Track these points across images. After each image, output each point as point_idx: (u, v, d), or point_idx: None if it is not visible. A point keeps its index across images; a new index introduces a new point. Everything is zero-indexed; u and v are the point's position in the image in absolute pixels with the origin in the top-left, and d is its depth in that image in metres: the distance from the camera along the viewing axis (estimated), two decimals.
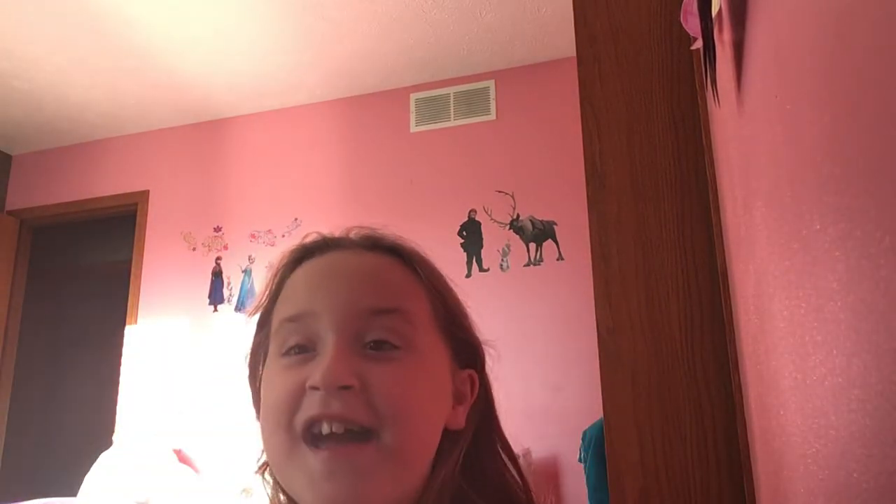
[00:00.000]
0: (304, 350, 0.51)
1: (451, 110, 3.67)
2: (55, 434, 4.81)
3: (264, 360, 0.56)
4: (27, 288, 4.36)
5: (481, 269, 3.41)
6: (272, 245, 3.80)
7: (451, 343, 0.56)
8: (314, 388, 0.48)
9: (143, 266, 4.01)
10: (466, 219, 3.50)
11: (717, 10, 0.85)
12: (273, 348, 0.53)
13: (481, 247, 3.45)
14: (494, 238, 3.44)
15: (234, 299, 3.81)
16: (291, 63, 3.53)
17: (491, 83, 3.64)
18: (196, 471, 3.55)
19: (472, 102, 3.64)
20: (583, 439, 2.38)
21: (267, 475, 0.55)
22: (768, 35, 0.62)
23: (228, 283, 3.84)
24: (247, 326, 0.59)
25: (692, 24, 0.99)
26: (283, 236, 3.79)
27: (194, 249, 3.95)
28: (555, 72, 3.52)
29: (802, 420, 0.60)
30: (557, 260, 3.34)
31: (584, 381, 2.99)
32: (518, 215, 3.44)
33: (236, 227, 3.90)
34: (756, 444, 1.00)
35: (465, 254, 3.45)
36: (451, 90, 3.68)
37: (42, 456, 4.68)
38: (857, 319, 0.41)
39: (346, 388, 0.48)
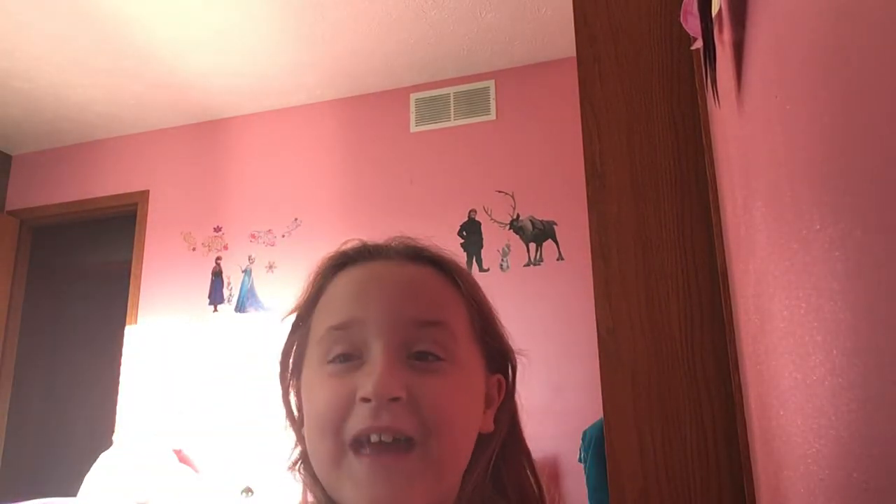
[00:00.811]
0: (349, 358, 0.52)
1: (451, 110, 3.67)
2: (55, 434, 4.81)
3: (299, 362, 0.57)
4: (27, 288, 4.36)
5: (481, 269, 3.41)
6: (272, 245, 3.80)
7: (485, 350, 0.58)
8: (366, 399, 0.49)
9: (143, 266, 4.01)
10: (466, 219, 3.50)
11: (717, 10, 0.85)
12: (317, 355, 0.54)
13: (481, 247, 3.45)
14: (494, 238, 3.44)
15: (234, 299, 3.81)
16: (291, 63, 3.53)
17: (491, 83, 3.64)
18: (196, 471, 3.55)
19: (472, 102, 3.64)
20: (583, 439, 2.38)
21: (298, 472, 0.57)
22: (768, 35, 0.62)
23: (228, 283, 3.84)
24: (281, 327, 0.60)
25: (692, 24, 0.99)
26: (283, 236, 3.79)
27: (194, 249, 3.95)
28: (555, 72, 3.52)
29: (802, 420, 0.60)
30: (557, 260, 3.34)
31: (584, 381, 2.99)
32: (518, 215, 3.44)
33: (236, 227, 3.90)
34: (756, 444, 1.00)
35: (465, 254, 3.45)
36: (451, 90, 3.68)
37: (42, 456, 4.68)
38: (857, 319, 0.41)
39: (395, 399, 0.49)
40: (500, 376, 0.60)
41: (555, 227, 3.38)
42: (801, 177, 0.53)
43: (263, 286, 3.77)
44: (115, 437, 3.75)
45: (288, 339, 0.59)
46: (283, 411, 0.59)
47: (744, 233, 0.89)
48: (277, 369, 0.59)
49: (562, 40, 3.31)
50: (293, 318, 0.59)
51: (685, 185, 1.28)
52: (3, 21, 3.11)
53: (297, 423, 0.58)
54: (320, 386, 0.53)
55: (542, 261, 3.36)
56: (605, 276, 1.28)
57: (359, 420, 0.49)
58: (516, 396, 0.61)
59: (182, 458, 3.58)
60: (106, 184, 4.22)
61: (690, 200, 1.27)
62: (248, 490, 3.37)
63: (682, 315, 1.23)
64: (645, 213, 1.29)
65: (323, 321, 0.55)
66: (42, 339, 4.77)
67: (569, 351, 3.13)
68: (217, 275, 3.87)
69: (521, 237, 3.41)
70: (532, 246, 3.40)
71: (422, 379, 0.51)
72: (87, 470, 3.47)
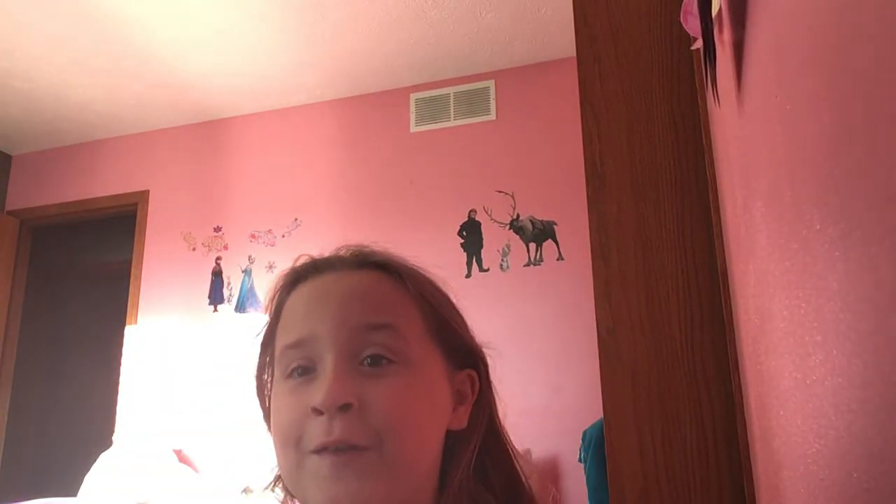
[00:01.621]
0: (306, 371, 0.54)
1: (451, 110, 3.67)
2: (55, 434, 4.81)
3: (270, 379, 0.60)
4: (27, 288, 4.36)
5: (481, 269, 3.41)
6: (272, 245, 3.80)
7: (446, 348, 0.58)
8: (317, 410, 0.51)
9: (143, 266, 4.01)
10: (466, 219, 3.50)
11: (717, 9, 0.85)
12: (278, 372, 0.57)
13: (481, 247, 3.45)
14: (494, 238, 3.44)
15: (234, 299, 3.81)
16: (291, 63, 3.53)
17: (491, 83, 3.64)
18: (196, 471, 3.55)
19: (472, 102, 3.64)
20: (583, 439, 2.38)
21: (278, 488, 0.59)
22: (768, 35, 0.62)
23: (228, 283, 3.84)
24: (252, 347, 0.63)
25: (692, 24, 0.99)
26: (283, 236, 3.79)
27: (194, 249, 3.95)
28: (555, 72, 3.52)
29: (802, 420, 0.60)
30: (557, 260, 3.34)
31: (584, 381, 2.99)
32: (518, 215, 3.44)
33: (236, 227, 3.90)
34: (756, 444, 1.00)
35: (465, 254, 3.45)
36: (451, 90, 3.68)
37: (42, 456, 4.68)
38: (857, 319, 0.41)
39: (345, 406, 0.51)
40: (470, 371, 0.60)
41: (555, 227, 3.38)
42: (801, 177, 0.53)
43: (263, 286, 3.77)
44: (115, 437, 3.75)
45: (259, 359, 0.62)
46: (262, 421, 0.62)
47: (744, 233, 0.89)
48: (254, 387, 0.62)
49: (562, 40, 3.31)
50: (262, 338, 0.62)
51: (685, 185, 1.28)
52: (3, 21, 3.11)
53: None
54: (281, 401, 0.55)
55: (542, 261, 3.36)
56: (605, 276, 1.28)
57: (313, 436, 0.51)
58: (493, 391, 0.61)
59: (182, 458, 3.58)
60: (106, 184, 4.22)
61: (690, 200, 1.27)
62: (248, 490, 3.37)
63: (682, 315, 1.23)
64: (645, 213, 1.29)
65: (281, 340, 0.57)
66: (42, 340, 4.77)
67: (569, 351, 3.13)
68: (217, 275, 3.87)
69: (521, 237, 3.41)
70: (532, 246, 3.40)
71: (372, 383, 0.52)
72: (87, 470, 3.47)
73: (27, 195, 4.37)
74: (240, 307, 3.79)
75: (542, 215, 3.41)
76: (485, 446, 0.59)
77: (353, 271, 0.58)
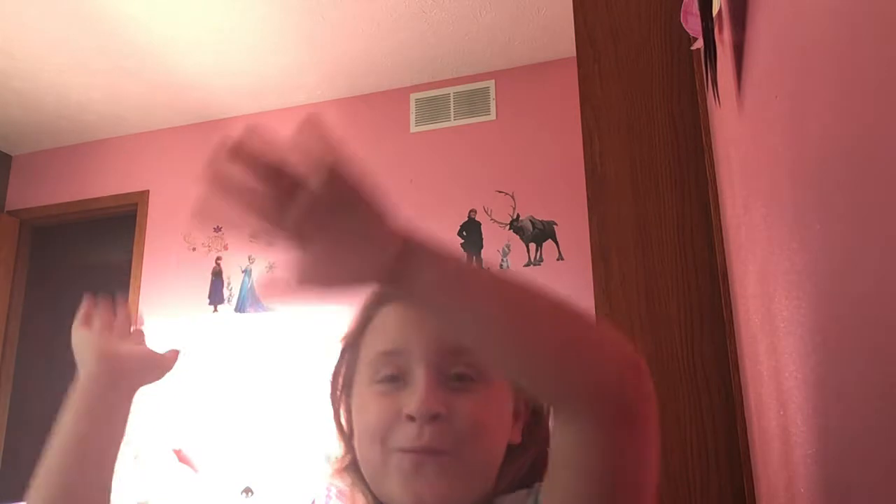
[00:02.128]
0: (395, 379, 0.60)
1: (451, 110, 3.66)
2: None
3: (348, 382, 0.65)
4: (27, 288, 4.36)
5: None
6: (272, 245, 3.80)
7: None
8: (410, 416, 0.57)
9: (143, 266, 4.01)
10: (466, 219, 3.50)
11: (717, 10, 0.85)
12: (366, 375, 0.62)
13: (481, 247, 3.45)
14: (494, 238, 3.44)
15: (234, 299, 3.81)
16: (291, 63, 3.53)
17: (491, 83, 3.64)
18: (196, 471, 3.55)
19: (472, 102, 3.64)
20: None
21: (344, 476, 0.65)
22: (768, 35, 0.62)
23: (228, 284, 3.84)
24: (334, 350, 0.68)
25: (692, 25, 0.99)
26: None
27: (194, 249, 3.95)
28: (555, 72, 3.52)
29: (802, 420, 0.60)
30: (557, 260, 3.34)
31: None
32: (518, 215, 3.44)
33: None
34: (756, 444, 1.00)
35: (465, 254, 3.45)
36: (451, 90, 3.68)
37: (42, 456, 4.68)
38: (857, 319, 0.41)
39: (436, 416, 0.57)
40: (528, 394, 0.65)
41: (555, 227, 3.38)
42: (801, 177, 0.53)
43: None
44: None
45: (338, 363, 0.67)
46: (334, 426, 0.67)
47: (744, 233, 0.89)
48: (328, 390, 0.67)
49: (562, 40, 3.31)
50: (345, 341, 0.67)
51: (685, 185, 1.28)
52: (3, 21, 3.11)
53: (345, 435, 0.66)
54: (371, 402, 0.60)
55: (542, 261, 3.36)
56: (605, 276, 1.28)
57: (403, 438, 0.57)
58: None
59: (182, 458, 3.58)
60: (106, 184, 4.22)
61: (690, 200, 1.27)
62: (248, 490, 3.37)
63: (682, 315, 1.23)
64: (645, 213, 1.29)
65: (373, 346, 0.63)
66: (42, 339, 4.77)
67: None
68: (217, 275, 3.87)
69: (521, 237, 3.41)
70: (532, 246, 3.40)
71: (459, 397, 0.58)
72: None
73: (27, 195, 4.37)
74: (240, 307, 3.79)
75: (542, 215, 3.41)
76: (538, 468, 0.63)
77: None
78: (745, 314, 0.96)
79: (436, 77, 3.68)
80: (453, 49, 3.43)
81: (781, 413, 0.70)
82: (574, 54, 1.42)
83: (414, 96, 3.74)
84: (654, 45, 1.35)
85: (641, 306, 1.24)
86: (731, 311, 1.15)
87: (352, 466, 0.64)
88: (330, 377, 0.67)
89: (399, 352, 0.60)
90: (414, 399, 0.57)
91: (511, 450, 0.62)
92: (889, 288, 0.34)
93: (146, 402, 3.40)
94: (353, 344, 0.66)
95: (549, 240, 3.37)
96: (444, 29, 3.25)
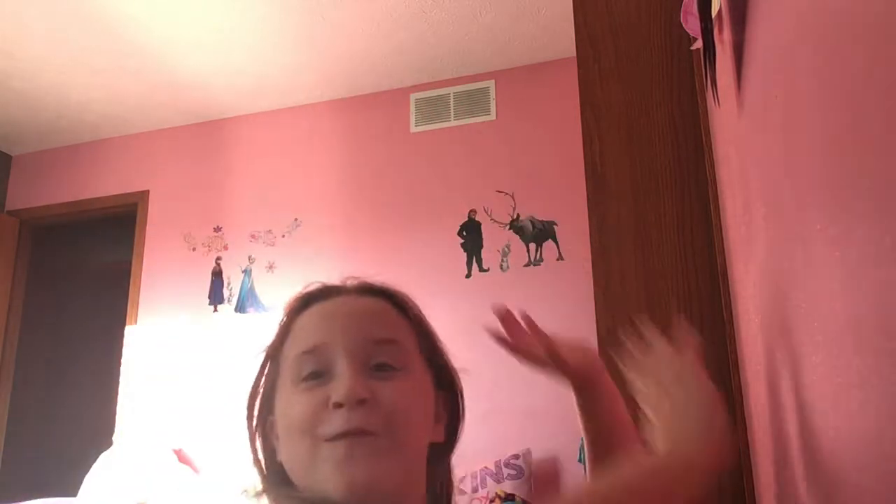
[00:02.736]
0: (318, 376, 0.61)
1: (451, 110, 3.66)
2: (55, 434, 4.81)
3: (270, 397, 0.66)
4: (27, 288, 4.36)
5: (481, 270, 3.41)
6: (272, 245, 3.80)
7: (433, 368, 0.67)
8: (338, 404, 0.58)
9: (143, 266, 4.01)
10: (466, 219, 3.50)
11: (717, 10, 0.85)
12: (289, 377, 0.63)
13: (481, 247, 3.45)
14: (494, 238, 3.44)
15: (234, 299, 3.81)
16: (291, 63, 3.53)
17: (491, 83, 3.64)
18: (196, 471, 3.55)
19: (472, 102, 3.64)
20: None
21: (263, 500, 0.67)
22: (768, 35, 0.62)
23: (228, 284, 3.84)
24: (252, 365, 0.69)
25: (692, 25, 0.99)
26: (283, 236, 3.79)
27: (194, 249, 3.95)
28: (555, 72, 3.52)
29: (802, 420, 0.60)
30: (557, 260, 3.34)
31: None
32: (518, 215, 3.44)
33: (236, 227, 3.90)
34: (756, 444, 1.00)
35: (465, 254, 3.44)
36: (451, 90, 3.68)
37: (42, 456, 4.68)
38: (856, 319, 0.41)
39: (363, 401, 0.58)
40: (444, 393, 0.68)
41: (555, 227, 3.38)
42: (801, 177, 0.53)
43: (263, 286, 3.77)
44: (115, 437, 3.75)
45: (255, 382, 0.68)
46: (249, 453, 0.68)
47: (744, 233, 0.89)
48: (244, 413, 0.68)
49: (562, 40, 3.31)
50: (264, 355, 0.68)
51: (685, 186, 1.28)
52: (4, 21, 3.11)
53: (259, 464, 0.67)
54: (296, 400, 0.61)
55: (542, 261, 3.36)
56: (605, 276, 1.28)
57: (333, 425, 0.58)
58: (463, 414, 0.70)
59: (182, 458, 3.58)
60: (106, 184, 4.22)
61: (690, 200, 1.27)
62: (248, 490, 3.37)
63: (682, 315, 1.23)
64: (645, 213, 1.29)
65: (294, 348, 0.64)
66: (42, 339, 4.77)
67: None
68: (217, 275, 3.87)
69: (521, 237, 3.41)
70: (532, 246, 3.40)
71: (382, 384, 0.60)
72: (87, 470, 3.47)
73: (27, 195, 4.37)
74: (240, 307, 3.79)
75: (542, 215, 3.41)
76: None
77: (360, 295, 0.68)
78: (745, 314, 0.96)
79: (436, 77, 3.68)
80: (453, 49, 3.43)
81: (781, 413, 0.70)
82: (574, 54, 1.42)
83: (414, 96, 3.74)
84: (654, 45, 1.36)
85: (641, 306, 1.24)
86: (731, 311, 1.15)
87: (273, 480, 0.65)
88: (246, 400, 0.68)
89: (319, 348, 0.62)
90: (340, 387, 0.58)
91: (435, 448, 0.65)
92: (889, 288, 0.34)
93: (146, 402, 3.41)
94: (273, 355, 0.67)
95: (549, 240, 3.37)
96: (444, 29, 3.25)
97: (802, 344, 0.57)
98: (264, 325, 3.68)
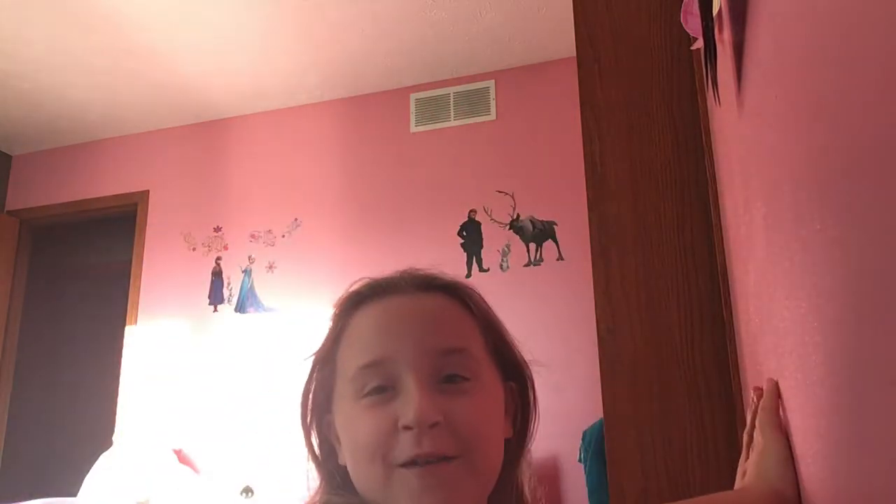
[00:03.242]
0: (383, 390, 0.57)
1: (451, 110, 3.66)
2: (55, 434, 4.81)
3: (326, 401, 0.62)
4: (27, 288, 4.36)
5: (481, 269, 3.41)
6: (272, 245, 3.80)
7: (500, 363, 0.63)
8: (407, 427, 0.54)
9: (143, 266, 4.01)
10: (466, 219, 3.50)
11: (717, 9, 0.85)
12: (350, 390, 0.59)
13: (481, 247, 3.45)
14: (494, 238, 3.44)
15: (234, 299, 3.81)
16: (291, 63, 3.53)
17: (491, 83, 3.64)
18: (196, 471, 3.55)
19: (472, 102, 3.64)
20: (583, 439, 2.38)
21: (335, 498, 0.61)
22: (768, 35, 0.62)
23: (228, 284, 3.84)
24: (304, 367, 0.64)
25: (692, 24, 0.99)
26: (283, 236, 3.78)
27: (194, 249, 3.94)
28: (555, 72, 3.52)
29: (802, 420, 0.60)
30: (557, 260, 3.34)
31: (584, 381, 2.99)
32: (518, 215, 3.44)
33: (236, 227, 3.90)
34: None
35: (465, 254, 3.44)
36: (451, 90, 3.68)
37: (42, 456, 4.68)
38: (857, 319, 0.41)
39: (434, 424, 0.54)
40: (511, 383, 0.64)
41: (555, 227, 3.38)
42: (801, 177, 0.53)
43: (263, 286, 3.77)
44: (115, 437, 3.75)
45: (308, 382, 0.63)
46: (305, 451, 0.64)
47: (744, 233, 0.89)
48: (299, 411, 0.63)
49: (562, 40, 3.31)
50: (316, 358, 0.64)
51: (685, 186, 1.28)
52: (4, 22, 3.11)
53: (318, 460, 0.63)
54: (360, 418, 0.57)
55: (542, 261, 3.36)
56: (605, 276, 1.28)
57: (404, 448, 0.54)
58: (536, 404, 0.66)
59: (182, 458, 3.58)
60: (106, 184, 4.22)
61: (690, 200, 1.27)
62: (248, 490, 3.37)
63: (682, 315, 1.23)
64: (645, 213, 1.29)
65: (351, 360, 0.59)
66: (42, 339, 4.77)
67: (569, 351, 3.13)
68: (217, 275, 3.87)
69: (521, 237, 3.41)
70: (532, 246, 3.40)
71: (454, 401, 0.56)
72: (87, 470, 3.47)
73: (27, 195, 4.37)
74: (240, 307, 3.79)
75: (542, 215, 3.41)
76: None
77: (420, 294, 0.61)
78: (745, 314, 0.96)
79: (436, 77, 3.68)
80: (453, 49, 3.43)
81: (781, 413, 0.70)
82: (574, 54, 1.42)
83: (414, 96, 3.74)
84: (654, 45, 1.36)
85: (641, 306, 1.24)
86: (731, 311, 1.15)
87: (333, 483, 0.61)
88: (300, 399, 0.63)
89: (382, 362, 0.57)
90: (409, 409, 0.54)
91: (506, 445, 0.61)
92: (889, 288, 0.34)
93: (146, 402, 3.41)
94: (326, 359, 0.62)
95: (549, 240, 3.37)
96: (445, 29, 3.25)
97: (802, 344, 0.57)
98: (264, 326, 3.68)
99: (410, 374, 0.56)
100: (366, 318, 0.60)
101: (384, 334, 0.59)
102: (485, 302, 0.64)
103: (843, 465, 0.47)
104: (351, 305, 0.62)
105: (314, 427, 0.63)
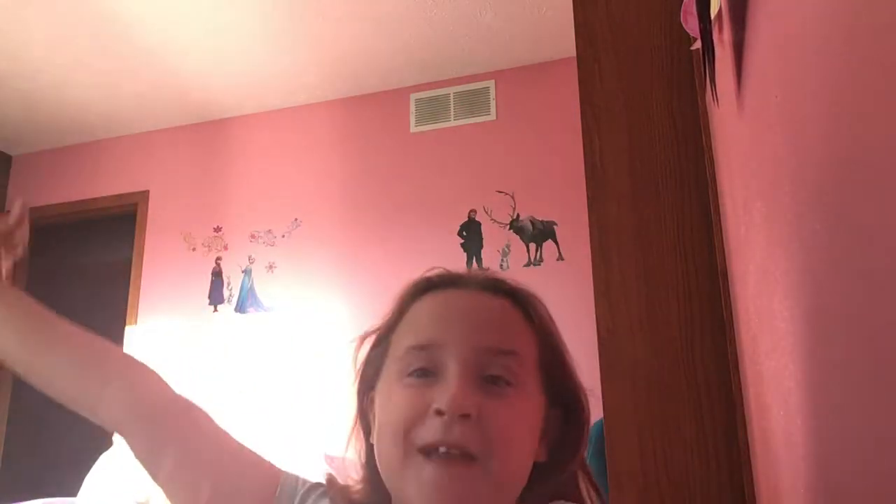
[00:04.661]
0: (426, 374, 0.57)
1: (451, 110, 3.66)
2: (55, 434, 4.81)
3: (374, 376, 0.62)
4: (27, 288, 4.36)
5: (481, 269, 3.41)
6: (272, 245, 3.80)
7: (548, 382, 0.62)
8: (440, 412, 0.54)
9: (143, 266, 4.01)
10: (466, 219, 3.50)
11: (716, 10, 0.85)
12: (395, 369, 0.59)
13: (481, 247, 3.45)
14: (494, 238, 3.44)
15: (234, 299, 3.81)
16: (291, 63, 3.53)
17: (491, 83, 3.64)
18: None
19: (472, 102, 3.64)
20: None
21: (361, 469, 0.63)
22: (768, 35, 0.62)
23: (228, 284, 3.84)
24: (362, 343, 0.65)
25: (692, 25, 0.99)
26: (283, 236, 3.78)
27: (194, 249, 3.95)
28: (555, 72, 3.52)
29: (802, 420, 0.60)
30: (557, 260, 3.34)
31: (584, 381, 2.98)
32: (518, 215, 3.44)
33: (236, 227, 3.90)
34: (756, 445, 1.00)
35: (465, 254, 3.44)
36: (451, 90, 3.68)
37: (42, 456, 4.68)
38: (857, 319, 0.41)
39: (466, 416, 0.54)
40: (557, 411, 0.62)
41: (555, 227, 3.38)
42: (801, 177, 0.53)
43: (263, 286, 3.77)
44: (115, 437, 3.75)
45: (368, 354, 0.64)
46: (354, 417, 0.65)
47: (744, 233, 0.89)
48: (356, 382, 0.64)
49: (562, 40, 3.31)
50: (375, 336, 0.64)
51: (685, 185, 1.28)
52: (4, 21, 3.11)
53: (361, 430, 0.64)
54: (398, 395, 0.57)
55: (542, 261, 3.36)
56: (605, 277, 1.28)
57: (431, 431, 0.54)
58: (586, 437, 0.63)
59: None
60: (106, 184, 4.22)
61: (690, 200, 1.27)
62: None
63: (682, 315, 1.23)
64: (645, 213, 1.29)
65: (403, 340, 0.60)
66: None
67: (569, 351, 3.12)
68: (217, 275, 3.87)
69: (521, 237, 3.41)
70: (532, 246, 3.40)
71: (491, 401, 0.55)
72: (87, 470, 3.47)
73: (27, 195, 4.36)
74: (240, 307, 3.79)
75: (542, 215, 3.41)
76: (565, 489, 0.62)
77: (484, 293, 0.62)
78: (745, 314, 0.96)
79: (436, 77, 3.68)
80: (453, 49, 3.43)
81: (781, 413, 0.70)
82: (574, 54, 1.42)
83: (414, 96, 3.74)
84: (654, 45, 1.35)
85: (641, 306, 1.24)
86: (731, 312, 1.15)
87: (368, 462, 0.62)
88: (358, 370, 0.64)
89: (432, 345, 0.57)
90: (445, 395, 0.54)
91: (537, 468, 0.59)
92: (889, 288, 0.34)
93: None
94: (384, 338, 0.63)
95: (549, 240, 3.37)
96: (444, 29, 3.25)
97: (802, 344, 0.57)
98: (264, 326, 3.68)
99: (455, 364, 0.56)
100: (427, 304, 0.61)
101: (439, 321, 0.59)
102: (550, 317, 0.65)
103: (844, 465, 0.47)
104: (418, 291, 0.63)
105: (364, 397, 0.63)
